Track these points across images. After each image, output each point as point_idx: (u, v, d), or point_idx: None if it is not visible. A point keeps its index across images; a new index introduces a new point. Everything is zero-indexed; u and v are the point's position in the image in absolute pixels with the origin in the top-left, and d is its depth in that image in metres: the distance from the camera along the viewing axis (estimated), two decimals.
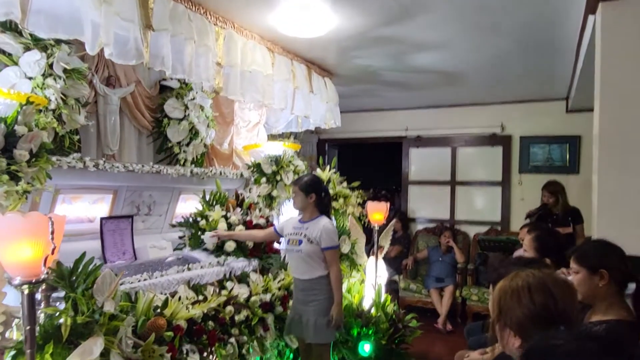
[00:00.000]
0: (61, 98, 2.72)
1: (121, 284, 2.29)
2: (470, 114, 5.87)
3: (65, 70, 2.75)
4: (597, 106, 2.73)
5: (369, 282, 3.85)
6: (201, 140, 3.78)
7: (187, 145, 3.70)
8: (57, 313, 1.64)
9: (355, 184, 4.38)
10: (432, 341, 4.58)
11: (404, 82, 4.84)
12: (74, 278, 1.74)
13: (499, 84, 4.96)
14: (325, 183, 4.23)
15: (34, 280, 1.41)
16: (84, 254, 1.81)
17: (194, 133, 3.70)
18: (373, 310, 3.68)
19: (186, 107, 3.64)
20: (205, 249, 3.19)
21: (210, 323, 2.43)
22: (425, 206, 6.15)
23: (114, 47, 2.25)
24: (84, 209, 2.91)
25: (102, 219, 2.97)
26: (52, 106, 2.68)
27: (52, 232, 1.40)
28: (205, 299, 2.54)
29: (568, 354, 0.85)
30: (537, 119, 5.54)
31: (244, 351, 2.60)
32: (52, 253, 1.40)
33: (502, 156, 5.70)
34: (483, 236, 5.47)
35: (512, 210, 5.65)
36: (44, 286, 1.67)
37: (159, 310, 2.19)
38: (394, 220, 4.30)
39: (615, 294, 1.78)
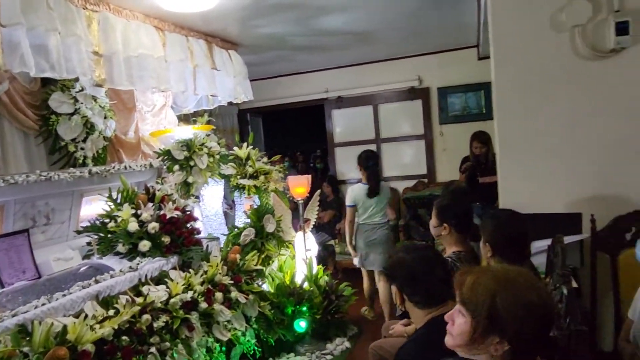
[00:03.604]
0: None
1: (13, 316, 2.08)
2: (388, 70, 5.81)
3: None
4: (492, 53, 2.78)
5: (300, 257, 3.81)
6: (99, 133, 3.47)
7: (84, 141, 3.38)
8: None
9: (276, 157, 4.26)
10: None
11: (315, 45, 4.67)
12: None
13: (411, 37, 4.90)
14: (243, 160, 4.08)
15: None
16: None
17: (89, 127, 3.38)
18: (306, 285, 3.66)
19: (75, 100, 3.30)
20: (117, 253, 2.98)
21: (124, 338, 2.28)
22: (354, 167, 6.10)
23: None
24: None
25: None
26: None
27: None
28: (117, 312, 2.37)
29: None
30: (452, 69, 5.58)
31: (167, 358, 2.48)
32: None
33: (422, 109, 5.74)
34: (408, 194, 5.58)
35: (436, 161, 5.77)
36: None
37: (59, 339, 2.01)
38: (318, 192, 4.24)
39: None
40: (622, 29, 2.42)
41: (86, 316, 2.28)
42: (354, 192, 4.11)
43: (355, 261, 4.18)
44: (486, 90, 5.43)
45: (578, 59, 2.59)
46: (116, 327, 2.24)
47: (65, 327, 2.02)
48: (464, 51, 5.50)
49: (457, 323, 1.23)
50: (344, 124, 6.18)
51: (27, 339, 1.97)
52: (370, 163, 4.11)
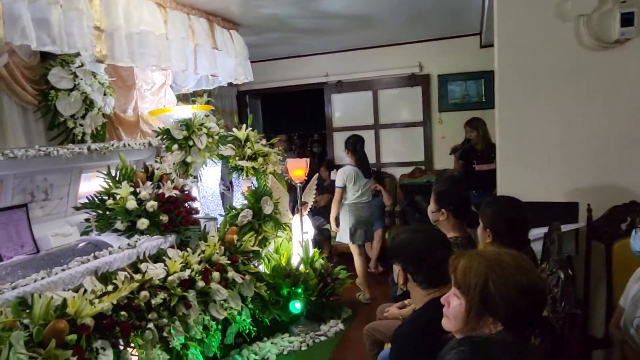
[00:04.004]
0: None
1: (13, 288, 2.09)
2: (389, 55, 5.78)
3: None
4: (496, 41, 2.77)
5: (296, 240, 3.84)
6: (99, 110, 3.44)
7: (83, 117, 3.36)
8: None
9: (275, 140, 4.26)
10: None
11: (316, 28, 4.63)
12: None
13: (413, 23, 4.87)
14: (242, 142, 4.07)
15: None
16: None
17: (88, 103, 3.36)
18: (302, 267, 3.69)
19: (75, 76, 3.27)
20: (115, 230, 2.99)
21: (123, 313, 2.30)
22: None
23: None
24: None
25: None
26: None
27: None
28: (116, 288, 2.39)
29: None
30: (453, 56, 5.56)
31: (165, 334, 2.51)
32: None
33: (422, 96, 5.73)
34: (405, 181, 5.61)
35: (434, 149, 5.78)
36: None
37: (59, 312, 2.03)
38: (316, 175, 4.25)
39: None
40: (627, 20, 2.42)
41: (85, 291, 2.30)
42: (346, 174, 4.26)
43: (339, 236, 4.42)
44: (487, 79, 5.43)
45: (582, 49, 2.59)
46: (115, 302, 2.26)
47: (65, 300, 2.03)
48: (465, 39, 5.48)
49: (453, 305, 1.27)
50: (343, 109, 6.17)
51: (27, 311, 1.99)
52: (358, 147, 4.31)
